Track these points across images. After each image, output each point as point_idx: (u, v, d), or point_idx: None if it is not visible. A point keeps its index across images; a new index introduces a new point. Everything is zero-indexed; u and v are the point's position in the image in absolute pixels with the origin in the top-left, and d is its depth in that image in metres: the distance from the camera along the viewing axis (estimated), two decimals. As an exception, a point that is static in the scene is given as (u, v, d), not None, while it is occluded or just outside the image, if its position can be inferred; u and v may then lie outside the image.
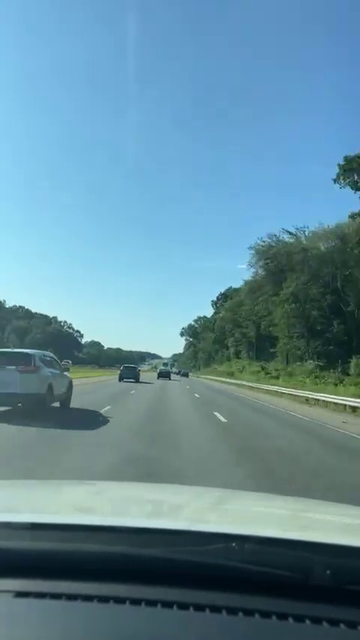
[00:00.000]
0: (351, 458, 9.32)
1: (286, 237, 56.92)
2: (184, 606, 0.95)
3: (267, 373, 50.36)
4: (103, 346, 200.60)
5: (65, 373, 14.03)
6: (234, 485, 5.47)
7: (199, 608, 0.95)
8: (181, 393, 28.34)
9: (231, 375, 62.98)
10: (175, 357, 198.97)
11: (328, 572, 0.98)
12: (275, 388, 33.93)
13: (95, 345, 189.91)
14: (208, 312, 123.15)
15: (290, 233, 55.99)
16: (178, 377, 73.64)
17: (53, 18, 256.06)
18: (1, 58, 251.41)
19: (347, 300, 45.60)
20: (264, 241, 59.28)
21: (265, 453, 8.83)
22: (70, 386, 14.35)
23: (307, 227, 54.62)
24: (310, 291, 48.12)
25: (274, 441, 10.57)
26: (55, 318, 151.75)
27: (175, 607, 0.95)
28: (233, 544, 1.04)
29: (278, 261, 55.01)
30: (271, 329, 56.44)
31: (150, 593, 0.98)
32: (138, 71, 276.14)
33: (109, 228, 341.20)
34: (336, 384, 31.44)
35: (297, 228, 55.34)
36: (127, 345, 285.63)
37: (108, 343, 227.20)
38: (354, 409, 19.67)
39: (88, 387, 26.08)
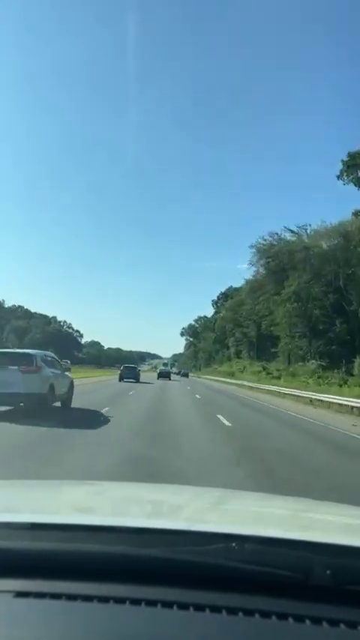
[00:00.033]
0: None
1: (288, 236, 56.70)
2: (184, 606, 0.95)
3: (268, 373, 50.03)
4: (103, 346, 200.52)
5: (66, 373, 14.23)
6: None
7: (199, 608, 0.95)
8: (181, 394, 28.20)
9: (232, 375, 62.63)
10: (176, 357, 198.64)
11: (328, 572, 0.98)
12: (278, 389, 33.46)
13: (95, 345, 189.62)
14: (209, 312, 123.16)
15: (292, 231, 55.83)
16: (178, 377, 73.41)
17: (53, 18, 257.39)
18: (1, 58, 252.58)
19: (350, 299, 45.24)
20: (265, 240, 59.06)
21: (285, 467, 7.72)
22: (72, 386, 14.50)
23: (309, 225, 54.30)
24: (312, 290, 47.74)
25: (287, 449, 9.76)
26: (54, 317, 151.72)
27: (175, 607, 0.95)
28: (233, 544, 1.04)
29: (280, 260, 54.69)
30: (272, 329, 56.08)
31: (150, 593, 0.98)
32: (138, 71, 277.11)
33: (109, 228, 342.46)
34: (340, 385, 31.07)
35: (299, 227, 55.20)
36: (127, 345, 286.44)
37: (108, 343, 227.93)
38: (361, 411, 19.28)
39: (88, 387, 25.95)
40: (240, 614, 0.94)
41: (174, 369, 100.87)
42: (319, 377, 37.94)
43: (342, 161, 39.15)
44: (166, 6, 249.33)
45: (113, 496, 1.94)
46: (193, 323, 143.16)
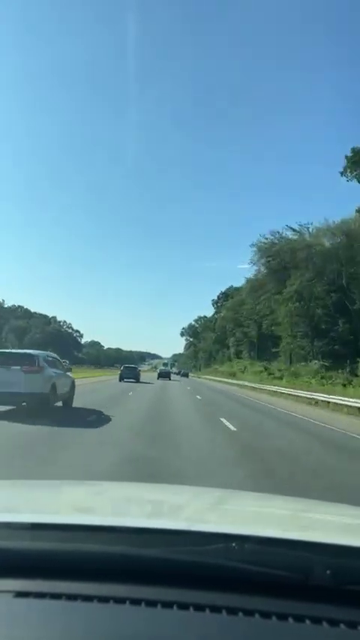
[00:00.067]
0: None
1: (290, 234, 56.15)
2: (184, 606, 0.96)
3: (270, 373, 49.49)
4: (102, 346, 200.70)
5: (68, 373, 14.39)
6: None
7: (199, 608, 0.95)
8: (181, 394, 27.93)
9: (232, 375, 62.03)
10: (176, 357, 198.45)
11: (328, 572, 0.99)
12: (281, 389, 32.59)
13: (95, 345, 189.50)
14: (209, 312, 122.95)
15: (294, 230, 55.41)
16: (178, 377, 73.41)
17: (53, 18, 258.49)
18: (1, 58, 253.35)
19: (353, 298, 44.77)
20: (266, 238, 58.53)
21: (303, 480, 6.72)
22: (73, 386, 14.67)
23: (311, 223, 53.75)
24: (315, 288, 47.27)
25: (302, 458, 8.87)
26: (54, 317, 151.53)
27: (175, 607, 0.95)
28: (233, 544, 1.04)
29: (281, 259, 54.07)
30: (273, 328, 55.62)
31: (150, 593, 0.98)
32: (138, 71, 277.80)
33: (109, 228, 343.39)
34: (344, 385, 30.34)
35: (300, 225, 54.60)
36: (127, 345, 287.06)
37: (108, 343, 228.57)
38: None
39: (88, 387, 25.67)
40: (240, 614, 0.94)
41: (174, 369, 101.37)
42: (322, 377, 37.27)
43: (346, 157, 38.61)
44: (166, 6, 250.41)
45: (113, 496, 1.94)
46: (193, 323, 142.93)
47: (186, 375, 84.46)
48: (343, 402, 20.92)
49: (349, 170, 39.13)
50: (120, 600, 0.97)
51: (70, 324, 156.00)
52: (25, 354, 12.60)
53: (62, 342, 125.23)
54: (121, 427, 10.88)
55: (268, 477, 6.69)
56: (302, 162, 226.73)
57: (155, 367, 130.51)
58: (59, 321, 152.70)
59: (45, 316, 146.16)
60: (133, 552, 1.07)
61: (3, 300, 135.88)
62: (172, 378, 60.04)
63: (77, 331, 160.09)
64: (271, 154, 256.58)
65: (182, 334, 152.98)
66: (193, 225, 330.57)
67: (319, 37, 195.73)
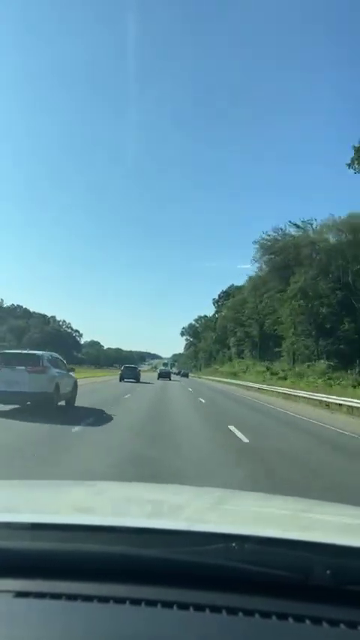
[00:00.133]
0: None
1: (293, 231, 54.66)
2: (184, 606, 0.96)
3: (273, 374, 48.27)
4: (102, 346, 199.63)
5: (70, 373, 14.66)
6: None
7: (199, 608, 0.96)
8: (181, 395, 27.45)
9: (234, 375, 60.67)
10: (176, 357, 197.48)
11: (328, 572, 0.99)
12: (287, 390, 30.80)
13: (95, 344, 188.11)
14: (209, 312, 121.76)
15: (297, 226, 53.96)
16: (178, 377, 73.12)
17: (53, 18, 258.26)
18: (1, 58, 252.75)
19: (359, 295, 42.76)
20: (269, 235, 57.04)
21: None
22: (75, 385, 14.99)
23: (315, 220, 52.19)
24: (319, 286, 45.55)
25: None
26: (53, 317, 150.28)
27: (175, 607, 0.96)
28: (233, 544, 1.05)
29: (285, 256, 52.33)
30: (275, 327, 53.93)
31: (150, 593, 0.99)
32: (138, 71, 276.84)
33: (109, 228, 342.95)
34: (354, 386, 28.57)
35: (304, 221, 53.00)
36: (127, 345, 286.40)
37: (108, 343, 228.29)
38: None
39: (88, 387, 25.08)
40: (240, 614, 0.95)
41: (174, 369, 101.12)
42: (329, 378, 35.47)
43: (354, 147, 36.86)
44: (166, 6, 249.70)
45: (113, 496, 1.95)
46: (193, 322, 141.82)
47: (186, 376, 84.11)
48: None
49: (356, 162, 37.35)
50: (120, 600, 0.97)
51: (69, 323, 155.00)
52: (29, 354, 12.87)
53: (61, 342, 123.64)
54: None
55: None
56: (302, 162, 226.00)
57: (155, 367, 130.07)
58: (58, 321, 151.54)
59: (44, 316, 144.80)
60: (133, 552, 1.07)
61: (2, 300, 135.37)
62: (172, 378, 59.66)
63: (77, 331, 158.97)
64: (271, 154, 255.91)
65: (182, 334, 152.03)
66: (193, 225, 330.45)
67: (319, 37, 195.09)
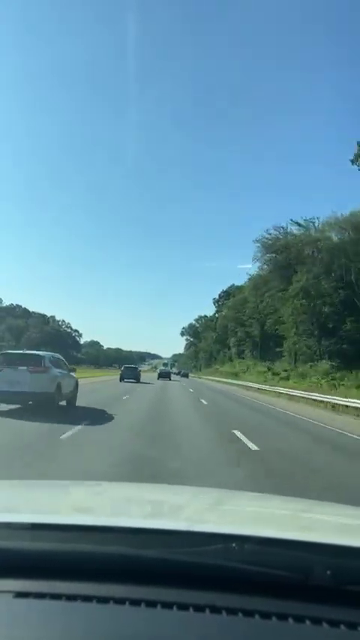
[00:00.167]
0: None
1: (295, 229, 54.05)
2: (183, 607, 0.97)
3: (274, 374, 47.87)
4: (102, 346, 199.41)
5: (71, 374, 14.87)
6: None
7: (198, 608, 0.96)
8: (182, 395, 27.25)
9: (235, 375, 60.28)
10: (176, 357, 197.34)
11: (328, 572, 1.00)
12: (292, 391, 29.86)
13: (94, 344, 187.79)
14: (209, 312, 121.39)
15: (299, 224, 53.40)
16: (178, 377, 73.24)
17: (53, 18, 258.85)
18: (1, 58, 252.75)
19: (362, 294, 42.24)
20: (270, 234, 56.48)
21: None
22: (76, 385, 15.25)
23: (317, 218, 51.63)
24: (322, 285, 44.91)
25: None
26: (52, 317, 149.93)
27: (174, 608, 0.97)
28: (233, 544, 1.05)
29: (286, 254, 51.69)
30: (277, 327, 53.40)
31: (149, 593, 0.99)
32: (138, 71, 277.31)
33: (109, 228, 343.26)
34: (358, 387, 27.90)
35: (306, 219, 52.39)
36: (127, 345, 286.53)
37: (108, 343, 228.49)
38: None
39: (88, 387, 24.77)
40: (240, 614, 0.95)
41: (174, 370, 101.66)
42: (332, 378, 34.87)
43: (358, 143, 36.35)
44: (166, 6, 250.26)
45: (113, 496, 1.95)
46: (193, 322, 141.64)
47: (186, 376, 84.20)
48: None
49: (360, 158, 36.86)
50: (120, 601, 0.97)
51: (68, 323, 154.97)
52: (32, 354, 13.26)
53: (60, 342, 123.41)
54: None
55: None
56: (302, 162, 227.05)
57: (155, 367, 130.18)
58: (58, 321, 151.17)
59: (43, 315, 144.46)
60: (132, 553, 1.07)
61: (1, 299, 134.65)
62: (172, 379, 59.68)
63: (76, 331, 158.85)
64: (271, 154, 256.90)
65: (182, 334, 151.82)
66: (193, 225, 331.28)
67: (319, 37, 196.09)
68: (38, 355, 13.00)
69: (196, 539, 1.12)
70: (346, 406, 20.14)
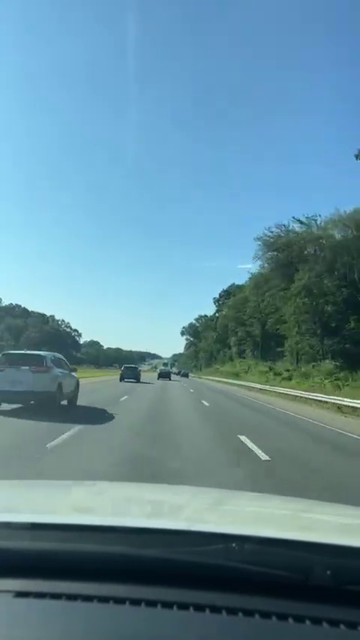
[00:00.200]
0: None
1: (297, 227, 53.86)
2: (184, 606, 0.97)
3: (276, 374, 47.74)
4: (102, 346, 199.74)
5: (72, 373, 15.10)
6: None
7: (199, 608, 0.97)
8: (182, 395, 27.16)
9: (236, 375, 60.12)
10: (176, 357, 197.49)
11: (328, 572, 1.00)
12: (298, 392, 28.98)
13: (94, 344, 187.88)
14: (209, 312, 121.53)
15: (301, 222, 53.10)
16: (178, 377, 73.39)
17: (53, 18, 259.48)
18: (1, 58, 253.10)
19: (365, 293, 41.99)
20: (271, 232, 56.20)
21: None
22: (77, 385, 15.52)
23: (319, 216, 51.41)
24: (324, 284, 44.63)
25: None
26: (52, 316, 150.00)
27: (175, 607, 0.97)
28: (233, 544, 1.06)
29: (288, 253, 51.46)
30: (278, 327, 53.14)
31: (150, 593, 1.00)
32: (138, 71, 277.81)
33: (109, 228, 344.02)
34: (363, 388, 27.65)
35: (308, 217, 52.19)
36: (127, 345, 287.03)
37: (108, 343, 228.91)
38: None
39: (88, 387, 24.59)
40: (240, 614, 0.96)
41: (174, 369, 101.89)
42: (336, 378, 34.58)
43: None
44: (166, 6, 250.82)
45: (113, 496, 1.96)
46: (193, 322, 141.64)
47: (186, 376, 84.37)
48: None
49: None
50: (120, 600, 0.97)
51: (68, 323, 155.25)
52: (33, 354, 13.51)
53: (60, 342, 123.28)
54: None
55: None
56: (302, 162, 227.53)
57: (155, 367, 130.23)
58: (57, 320, 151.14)
59: (43, 315, 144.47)
60: (133, 552, 1.08)
61: (0, 299, 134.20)
62: (172, 379, 59.70)
63: (76, 330, 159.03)
64: (271, 154, 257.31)
65: (182, 333, 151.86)
66: (193, 225, 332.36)
67: (319, 37, 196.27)
68: (40, 355, 13.25)
69: (197, 539, 1.12)
70: (354, 408, 19.31)
